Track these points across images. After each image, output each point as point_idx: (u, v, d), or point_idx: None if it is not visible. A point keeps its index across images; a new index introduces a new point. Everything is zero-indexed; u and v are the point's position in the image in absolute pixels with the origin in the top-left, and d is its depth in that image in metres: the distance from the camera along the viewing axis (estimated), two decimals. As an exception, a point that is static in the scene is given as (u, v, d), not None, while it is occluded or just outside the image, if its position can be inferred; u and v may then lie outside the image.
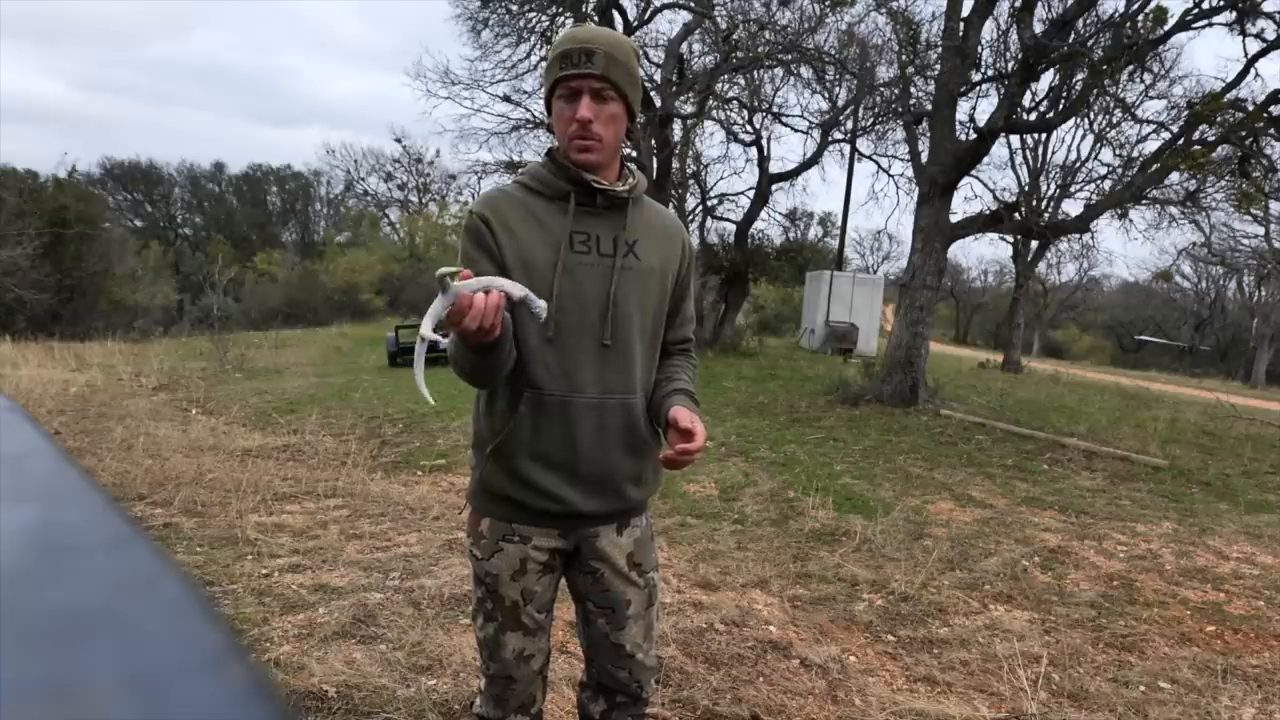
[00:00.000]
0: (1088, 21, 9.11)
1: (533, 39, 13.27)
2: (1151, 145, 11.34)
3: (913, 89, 11.24)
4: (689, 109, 14.39)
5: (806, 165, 16.18)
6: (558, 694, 2.41)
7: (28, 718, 0.22)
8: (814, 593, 3.44)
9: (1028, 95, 9.82)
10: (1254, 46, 8.13)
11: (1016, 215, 10.90)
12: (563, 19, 12.75)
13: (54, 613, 0.27)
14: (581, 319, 1.41)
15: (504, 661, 1.51)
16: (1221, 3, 7.98)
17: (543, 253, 1.40)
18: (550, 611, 1.56)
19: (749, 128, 16.21)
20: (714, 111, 15.49)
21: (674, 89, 12.91)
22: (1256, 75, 8.33)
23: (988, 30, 9.55)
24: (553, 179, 1.43)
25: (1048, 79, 10.12)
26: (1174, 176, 10.02)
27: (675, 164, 15.64)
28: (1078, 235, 14.85)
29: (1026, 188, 18.02)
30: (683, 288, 1.57)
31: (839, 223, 21.04)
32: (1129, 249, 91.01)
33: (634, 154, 12.48)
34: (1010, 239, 17.81)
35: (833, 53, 13.20)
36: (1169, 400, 12.90)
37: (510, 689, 1.54)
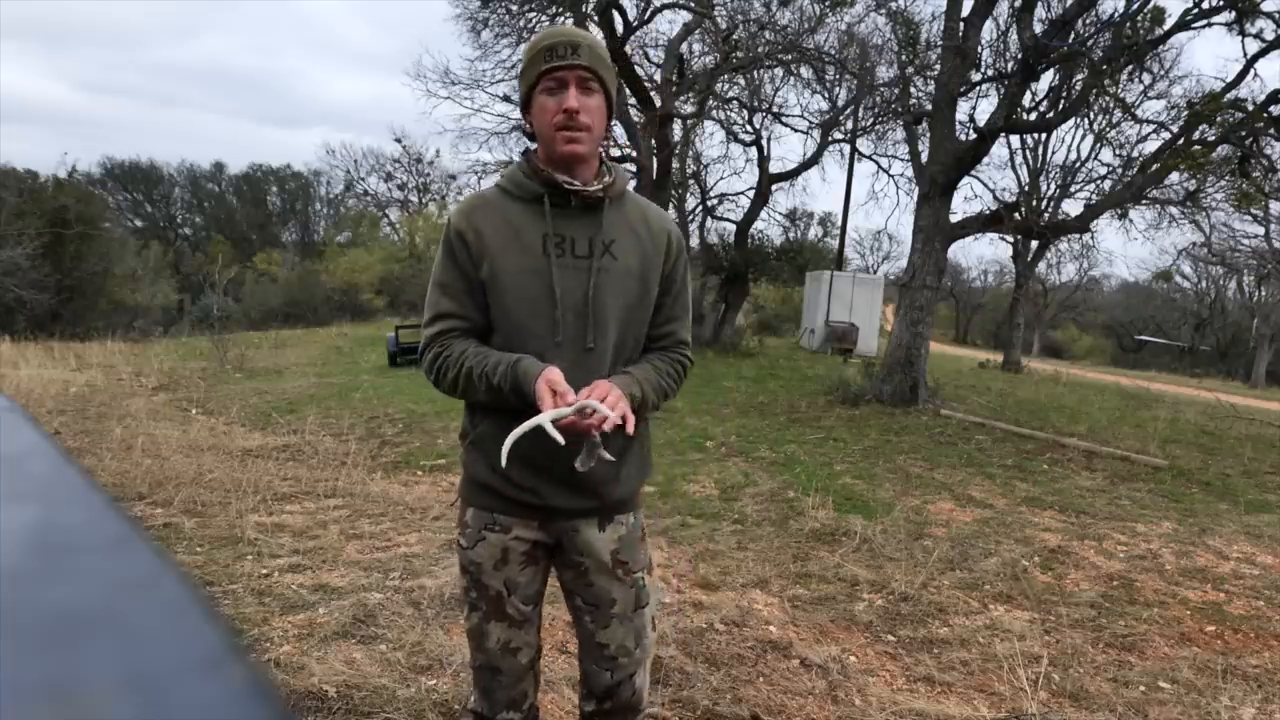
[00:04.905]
0: (1087, 21, 9.11)
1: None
2: (1151, 145, 11.37)
3: (913, 89, 11.24)
4: (689, 109, 14.40)
5: (806, 165, 16.19)
6: (557, 694, 2.41)
7: (28, 718, 0.22)
8: (814, 593, 3.44)
9: (1028, 95, 9.83)
10: (1253, 46, 8.14)
11: (1016, 215, 10.89)
12: (563, 19, 12.75)
13: (54, 613, 0.27)
14: (560, 322, 1.41)
15: (489, 651, 1.51)
16: (1221, 3, 7.98)
17: (516, 259, 1.40)
18: (538, 605, 1.56)
19: (749, 128, 16.23)
20: (714, 111, 15.51)
21: (674, 89, 12.91)
22: (1256, 75, 8.35)
23: (988, 30, 9.56)
24: (527, 182, 1.43)
25: (1048, 79, 10.14)
26: (1174, 176, 10.03)
27: (675, 164, 15.65)
28: (1078, 235, 14.87)
29: (1026, 188, 18.03)
30: (669, 282, 1.53)
31: (839, 223, 21.06)
32: (1129, 249, 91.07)
33: (634, 154, 12.50)
34: (1010, 239, 17.82)
35: (833, 53, 13.21)
36: (1169, 400, 12.90)
37: (496, 680, 1.53)
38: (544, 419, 1.27)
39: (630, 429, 1.31)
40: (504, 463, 1.29)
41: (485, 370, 1.38)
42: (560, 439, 1.27)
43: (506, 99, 14.08)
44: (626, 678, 1.57)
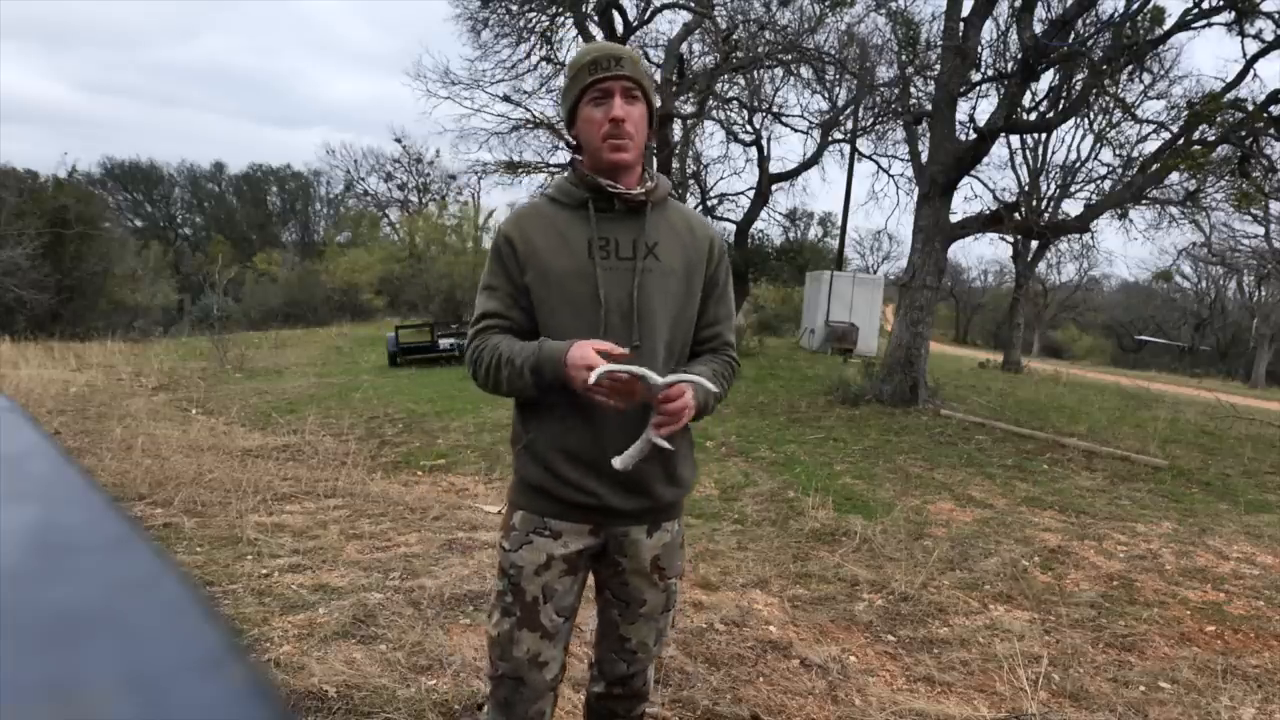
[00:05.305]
0: (1087, 21, 9.11)
1: (532, 39, 13.28)
2: (1151, 145, 11.37)
3: (913, 89, 11.24)
4: (689, 109, 14.40)
5: (806, 165, 16.21)
6: (559, 696, 2.40)
7: (28, 718, 0.22)
8: (814, 593, 3.44)
9: (1028, 95, 9.82)
10: (1253, 47, 8.14)
11: (1016, 215, 10.89)
12: (562, 19, 12.76)
13: (54, 613, 0.27)
14: (604, 322, 1.45)
15: (515, 661, 1.50)
16: (1221, 3, 7.98)
17: (562, 262, 1.45)
18: (570, 620, 1.55)
19: (749, 128, 16.24)
20: (714, 111, 15.51)
21: (674, 89, 12.91)
22: (1256, 75, 8.35)
23: (988, 30, 9.56)
24: (572, 189, 1.49)
25: (1048, 79, 10.13)
26: (1174, 176, 10.03)
27: (675, 164, 15.65)
28: (1078, 235, 14.87)
29: (1026, 188, 18.03)
30: (711, 285, 1.58)
31: (839, 223, 21.04)
32: (1129, 249, 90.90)
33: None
34: (1010, 239, 17.81)
35: (833, 53, 13.21)
36: (1169, 400, 12.89)
37: (519, 692, 1.51)
38: (648, 373, 1.32)
39: (678, 403, 1.36)
40: (593, 380, 1.29)
41: (510, 355, 1.41)
42: (658, 380, 1.32)
43: (506, 99, 14.08)
44: (641, 670, 1.64)
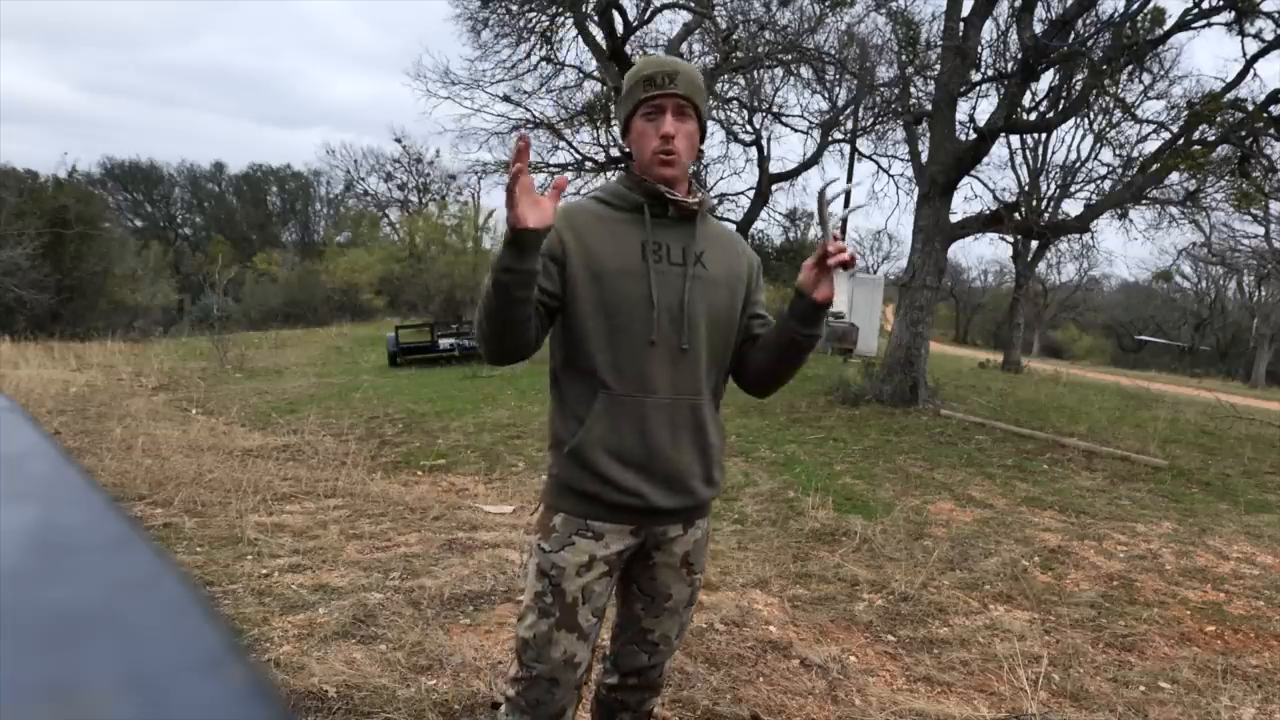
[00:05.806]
0: (1087, 22, 9.11)
1: (532, 39, 13.26)
2: (1151, 145, 11.36)
3: (913, 89, 11.24)
4: (689, 109, 14.34)
5: (806, 165, 16.18)
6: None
7: (28, 718, 0.22)
8: (814, 593, 3.44)
9: (1028, 95, 9.82)
10: (1253, 46, 8.15)
11: (1016, 215, 10.89)
12: (562, 19, 12.75)
13: (54, 613, 0.27)
14: (656, 323, 1.47)
15: (552, 662, 1.49)
16: (1221, 3, 7.99)
17: (615, 262, 1.46)
18: (600, 620, 1.55)
19: (749, 128, 16.21)
20: (714, 111, 15.49)
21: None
22: (1255, 75, 8.35)
23: (988, 30, 9.56)
24: (627, 193, 1.52)
25: (1048, 79, 10.14)
26: (1174, 176, 10.03)
27: (675, 164, 15.61)
28: (1078, 235, 14.86)
29: (1026, 188, 18.02)
30: (758, 292, 1.66)
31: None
32: (1129, 249, 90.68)
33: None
34: (1010, 239, 17.81)
35: (833, 53, 13.20)
36: (1169, 400, 12.90)
37: (552, 694, 1.51)
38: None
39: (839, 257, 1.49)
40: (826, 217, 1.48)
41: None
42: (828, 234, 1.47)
43: (506, 99, 14.07)
44: (660, 662, 1.67)
